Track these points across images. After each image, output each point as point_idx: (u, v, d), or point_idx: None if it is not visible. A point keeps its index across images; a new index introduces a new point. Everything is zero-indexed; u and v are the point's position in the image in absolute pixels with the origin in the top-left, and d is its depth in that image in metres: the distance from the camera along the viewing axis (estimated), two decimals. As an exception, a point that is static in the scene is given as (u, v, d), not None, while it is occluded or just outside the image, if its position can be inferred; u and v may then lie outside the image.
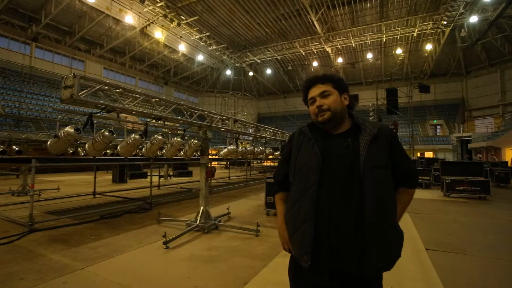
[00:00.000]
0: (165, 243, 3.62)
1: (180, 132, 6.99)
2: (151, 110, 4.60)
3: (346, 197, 1.12)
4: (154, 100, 4.35)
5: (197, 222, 4.39)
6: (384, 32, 24.03)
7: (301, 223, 1.16)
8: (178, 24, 22.58)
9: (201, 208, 4.52)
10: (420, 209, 6.28)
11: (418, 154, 23.90)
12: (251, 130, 8.47)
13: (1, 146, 7.07)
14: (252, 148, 9.89)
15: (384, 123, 1.35)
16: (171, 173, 14.29)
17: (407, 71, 29.81)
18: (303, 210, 1.16)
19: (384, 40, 25.43)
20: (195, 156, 7.07)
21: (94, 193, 7.70)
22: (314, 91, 1.27)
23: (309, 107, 1.32)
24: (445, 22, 22.00)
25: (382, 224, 1.10)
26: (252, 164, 19.21)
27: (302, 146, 1.27)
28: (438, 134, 29.41)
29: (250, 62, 31.40)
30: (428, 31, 23.82)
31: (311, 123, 1.32)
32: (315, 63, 29.92)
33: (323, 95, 1.25)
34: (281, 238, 1.33)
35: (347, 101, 1.28)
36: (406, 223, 4.91)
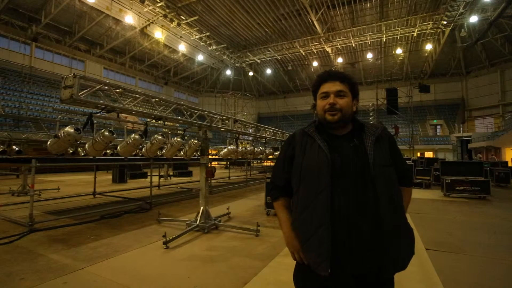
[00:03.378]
0: (165, 243, 3.62)
1: (180, 132, 7.00)
2: (151, 110, 4.60)
3: (361, 197, 1.10)
4: (154, 100, 4.35)
5: (197, 222, 4.39)
6: (384, 32, 24.03)
7: (315, 229, 1.10)
8: (178, 24, 22.58)
9: (201, 208, 4.52)
10: (420, 209, 6.28)
11: (418, 154, 23.87)
12: (251, 130, 8.46)
13: (1, 146, 7.08)
14: (252, 148, 9.88)
15: (382, 125, 1.36)
16: (171, 173, 14.29)
17: (407, 71, 29.78)
18: (317, 214, 1.11)
19: (384, 40, 25.43)
20: (195, 156, 7.06)
21: (94, 193, 7.70)
22: (330, 87, 1.22)
23: (317, 100, 1.27)
24: (445, 22, 21.99)
25: (397, 222, 1.11)
26: (252, 164, 19.21)
27: (307, 148, 1.22)
28: (438, 134, 29.40)
29: (250, 62, 31.38)
30: (428, 31, 23.81)
31: (318, 124, 1.27)
32: (315, 63, 29.94)
33: (339, 94, 1.21)
34: (290, 248, 1.24)
35: (355, 107, 1.27)
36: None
